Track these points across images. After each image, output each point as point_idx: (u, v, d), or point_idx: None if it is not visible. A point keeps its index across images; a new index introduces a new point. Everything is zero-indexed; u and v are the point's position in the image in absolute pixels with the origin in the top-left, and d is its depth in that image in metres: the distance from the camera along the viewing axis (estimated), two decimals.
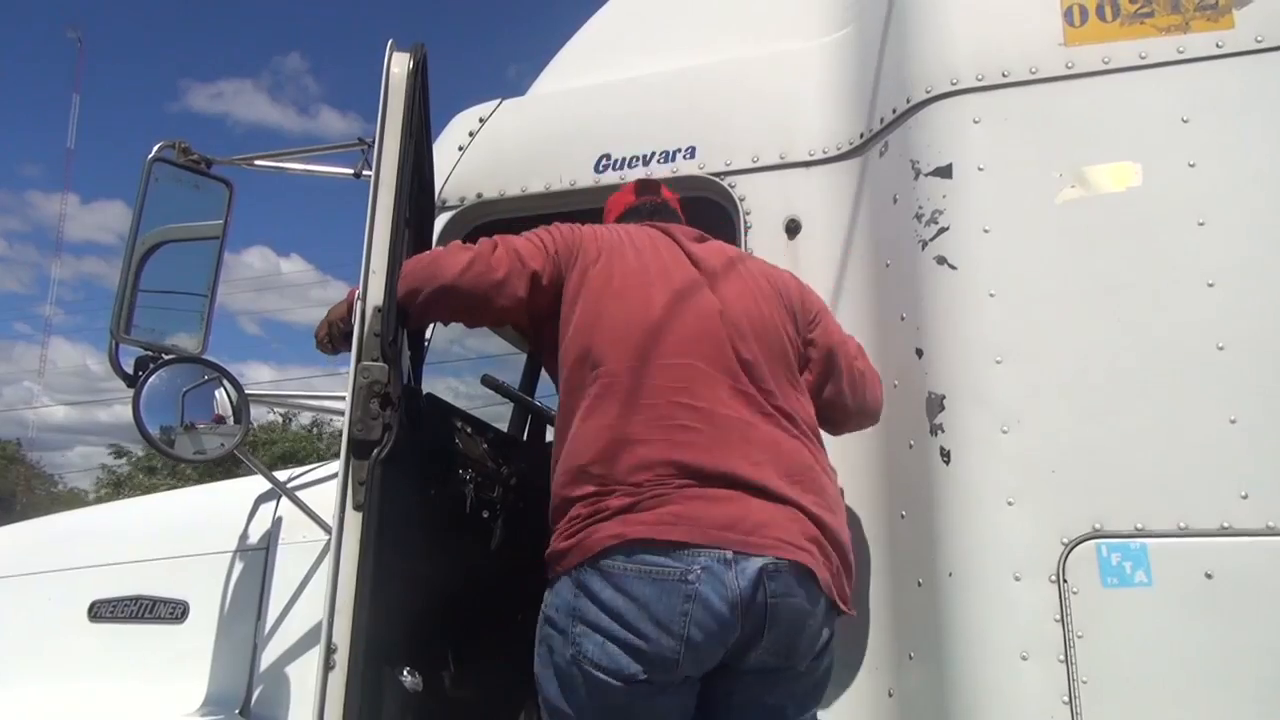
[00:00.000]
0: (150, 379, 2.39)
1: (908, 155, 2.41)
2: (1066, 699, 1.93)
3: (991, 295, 2.20)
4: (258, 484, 3.09)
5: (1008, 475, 2.09)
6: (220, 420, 2.52)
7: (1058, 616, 1.98)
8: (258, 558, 2.92)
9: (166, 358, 2.45)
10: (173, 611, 2.98)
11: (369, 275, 1.98)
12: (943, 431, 2.18)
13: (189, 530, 3.09)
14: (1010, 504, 2.07)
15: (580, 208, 2.97)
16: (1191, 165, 2.14)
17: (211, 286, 2.56)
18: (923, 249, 2.31)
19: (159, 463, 24.48)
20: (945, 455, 2.16)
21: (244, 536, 2.98)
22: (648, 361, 1.92)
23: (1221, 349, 2.03)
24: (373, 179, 2.03)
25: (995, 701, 1.99)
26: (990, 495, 2.09)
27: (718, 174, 2.74)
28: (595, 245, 2.11)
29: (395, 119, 2.03)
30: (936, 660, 2.09)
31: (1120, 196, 2.18)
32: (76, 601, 3.08)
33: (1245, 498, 1.94)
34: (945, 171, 2.32)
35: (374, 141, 1.95)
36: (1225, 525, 1.94)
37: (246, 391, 2.54)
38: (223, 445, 2.52)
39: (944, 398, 2.19)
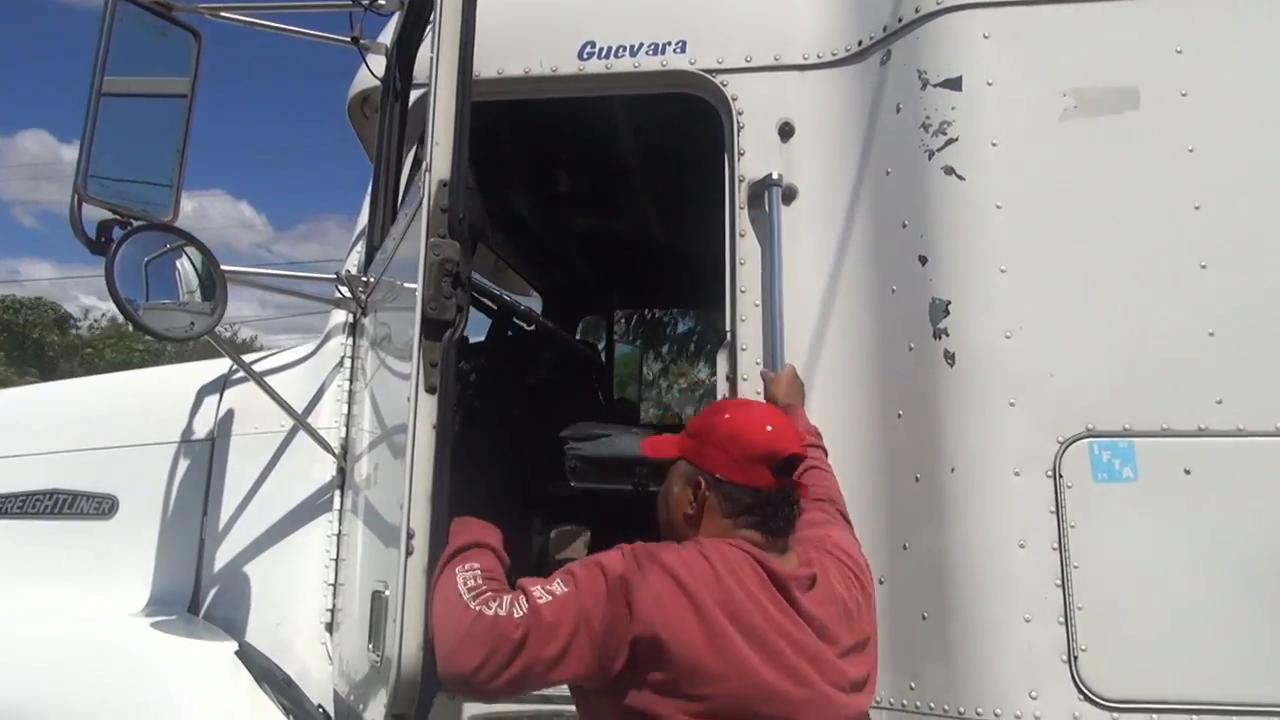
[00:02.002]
0: (124, 246, 2.16)
1: (914, 65, 2.44)
2: (1059, 582, 2.10)
3: (998, 207, 2.29)
4: (192, 372, 2.88)
5: (1010, 378, 2.21)
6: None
7: (1053, 508, 2.14)
8: (200, 450, 2.73)
9: (138, 224, 2.21)
10: (98, 507, 2.76)
11: (433, 148, 1.84)
12: (947, 335, 2.27)
13: (114, 420, 2.85)
14: (1012, 405, 2.20)
15: (561, 95, 2.87)
16: (1184, 95, 2.29)
17: (181, 149, 2.32)
18: (929, 158, 2.37)
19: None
20: (950, 358, 2.26)
21: (183, 427, 2.78)
22: None
23: (1204, 268, 2.20)
24: (435, 49, 1.88)
25: (994, 584, 2.13)
26: (993, 396, 2.21)
27: (709, 71, 2.69)
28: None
29: None
30: (934, 549, 2.22)
31: (1118, 120, 2.30)
32: None
33: (1220, 403, 2.14)
34: (955, 84, 2.37)
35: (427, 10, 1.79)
36: (1202, 427, 2.14)
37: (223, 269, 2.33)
38: (193, 324, 2.31)
39: (949, 303, 2.28)
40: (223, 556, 2.63)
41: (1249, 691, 2.01)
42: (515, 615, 1.60)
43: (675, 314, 8.69)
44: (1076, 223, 2.27)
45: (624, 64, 2.74)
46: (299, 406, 2.65)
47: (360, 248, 2.74)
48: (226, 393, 2.76)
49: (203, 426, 2.75)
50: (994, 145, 2.32)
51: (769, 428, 1.85)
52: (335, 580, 2.53)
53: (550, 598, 1.62)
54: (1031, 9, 2.37)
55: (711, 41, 2.71)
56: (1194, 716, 2.01)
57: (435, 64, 1.87)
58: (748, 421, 1.87)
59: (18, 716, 2.16)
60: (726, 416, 1.90)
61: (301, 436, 2.63)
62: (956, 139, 2.34)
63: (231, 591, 2.60)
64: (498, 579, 1.73)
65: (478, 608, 1.62)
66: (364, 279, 2.48)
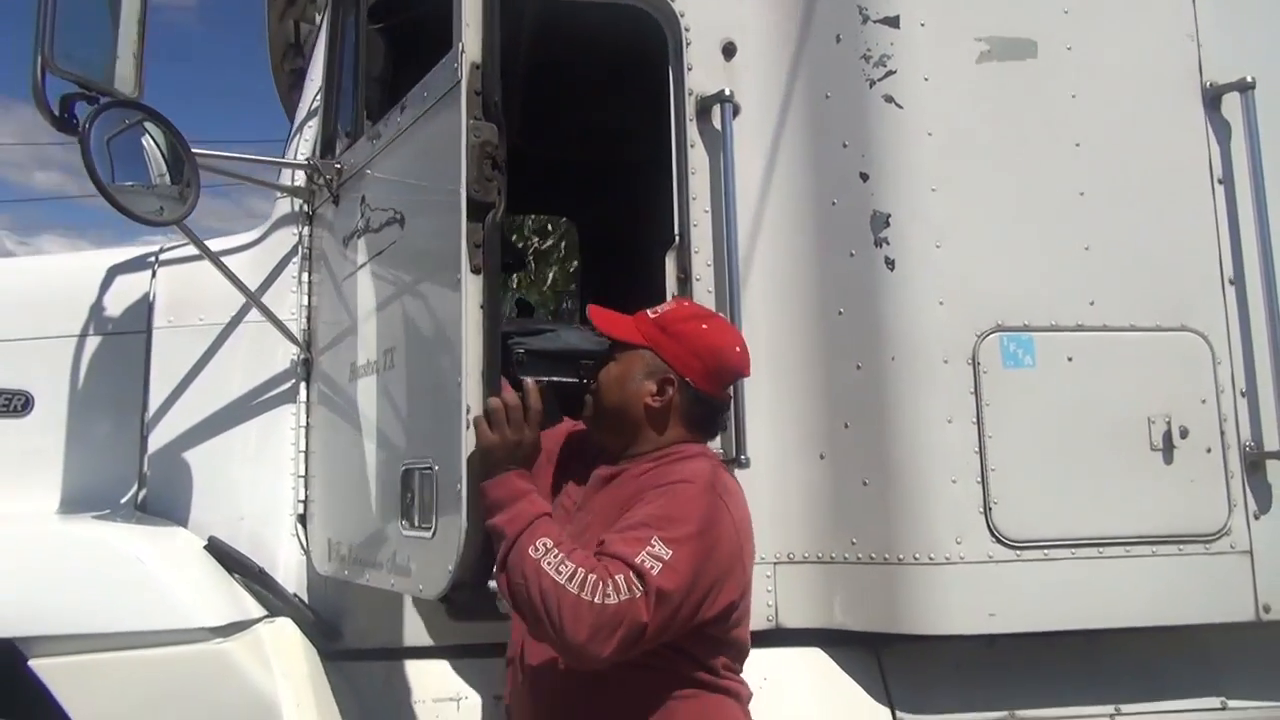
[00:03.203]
0: (96, 122, 2.00)
1: (854, 1, 2.74)
2: (977, 449, 2.55)
3: (929, 134, 2.66)
4: (107, 260, 2.67)
5: (939, 281, 2.61)
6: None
7: (972, 390, 2.57)
8: (133, 341, 2.57)
9: (105, 100, 2.05)
10: (8, 403, 2.53)
11: (463, 29, 1.87)
12: (887, 244, 2.63)
13: (23, 310, 2.60)
14: (941, 304, 2.60)
15: None
16: (1069, 49, 2.75)
17: (140, 17, 2.14)
18: (870, 87, 2.69)
19: None
20: (890, 264, 2.62)
21: (109, 317, 2.59)
22: None
23: (1082, 195, 2.70)
24: None
25: (928, 453, 2.55)
26: (926, 296, 2.60)
27: None
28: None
29: None
30: (875, 426, 2.60)
31: (1020, 66, 2.73)
32: None
33: (1092, 304, 2.66)
34: (893, 22, 2.69)
35: None
36: (1079, 323, 2.65)
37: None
38: (162, 210, 2.18)
39: (889, 216, 2.63)
40: (171, 453, 2.51)
41: (1112, 527, 2.57)
42: (635, 595, 1.59)
43: None
44: (988, 152, 2.68)
45: None
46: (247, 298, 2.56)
47: (308, 134, 2.65)
48: (158, 281, 2.59)
49: (134, 317, 2.57)
50: (926, 80, 2.68)
51: (738, 348, 2.01)
52: (306, 471, 2.51)
53: (661, 565, 1.62)
54: None
55: None
56: (1073, 549, 2.55)
57: None
58: (724, 338, 2.01)
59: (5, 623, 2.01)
60: (705, 327, 2.00)
61: (254, 328, 2.55)
62: (895, 71, 2.67)
63: (185, 488, 2.50)
64: (565, 544, 1.69)
65: (593, 597, 1.59)
66: (336, 165, 2.41)
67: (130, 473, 2.52)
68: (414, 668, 2.49)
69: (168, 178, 2.20)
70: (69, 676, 2.06)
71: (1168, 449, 2.62)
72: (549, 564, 1.61)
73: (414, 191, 2.09)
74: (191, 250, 2.67)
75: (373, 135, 2.28)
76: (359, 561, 2.17)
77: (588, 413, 2.03)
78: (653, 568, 1.61)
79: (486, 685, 2.48)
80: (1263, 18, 2.85)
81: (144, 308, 2.58)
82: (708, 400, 1.97)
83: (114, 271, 2.62)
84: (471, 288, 1.81)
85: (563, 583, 1.59)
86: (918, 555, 2.52)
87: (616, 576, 1.60)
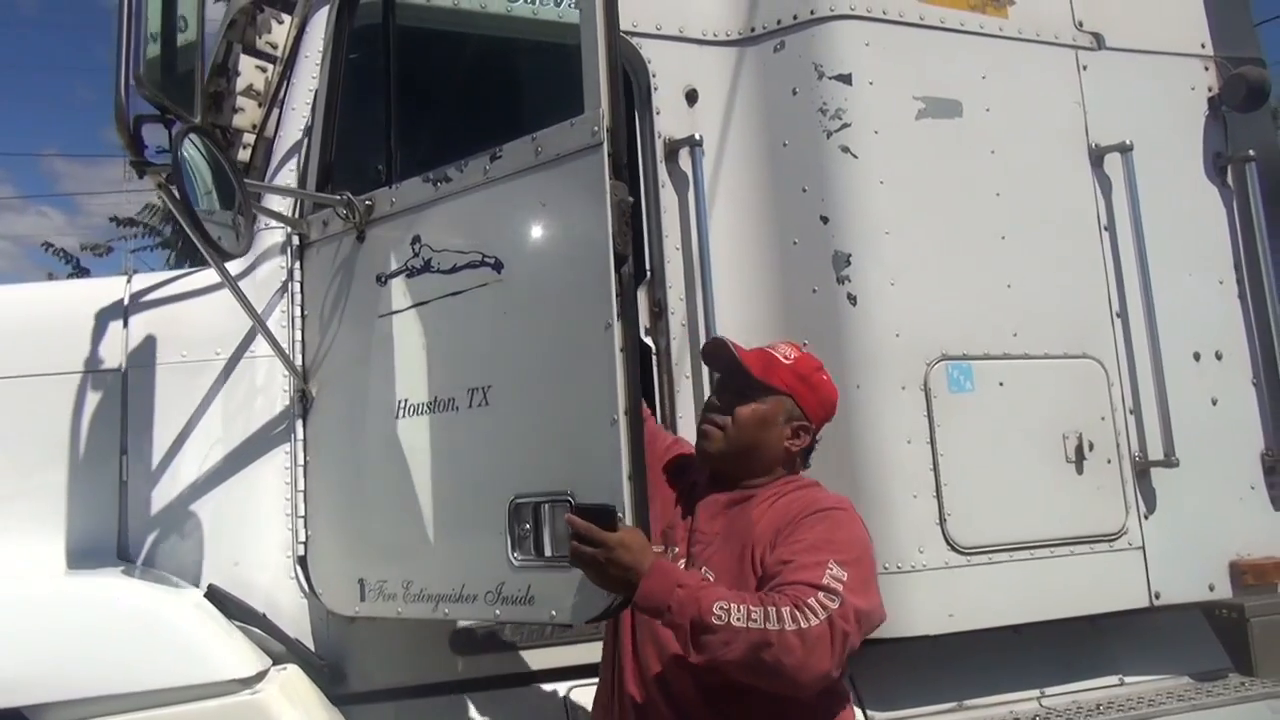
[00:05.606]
0: (182, 148, 1.92)
1: (809, 58, 2.99)
2: (931, 466, 2.84)
3: (881, 183, 2.94)
4: (72, 293, 2.49)
5: (895, 315, 2.89)
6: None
7: (925, 414, 2.86)
8: (107, 380, 2.42)
9: (183, 125, 1.96)
10: None
11: (601, 94, 1.95)
12: (849, 281, 2.88)
13: None
14: (897, 336, 2.88)
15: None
16: (987, 110, 3.12)
17: (198, 30, 2.05)
18: (828, 138, 2.94)
19: None
20: (852, 299, 2.87)
21: (75, 354, 2.42)
22: None
23: (1003, 239, 3.06)
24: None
25: (891, 472, 2.82)
26: (885, 329, 2.87)
27: (627, 33, 2.96)
28: None
29: None
30: (842, 449, 2.83)
31: (949, 124, 3.07)
32: None
33: (1015, 335, 3.02)
34: (846, 79, 2.96)
35: None
36: (1006, 352, 3.00)
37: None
38: (220, 238, 2.09)
39: (850, 255, 2.89)
40: (157, 498, 2.37)
41: (1040, 532, 2.93)
42: (832, 608, 1.74)
43: None
44: (931, 201, 2.99)
45: (550, 12, 2.91)
46: (237, 332, 2.46)
47: (290, 165, 2.58)
48: (132, 316, 2.43)
49: (108, 354, 2.40)
50: (876, 133, 2.96)
51: (836, 399, 2.28)
52: (305, 511, 2.43)
53: (841, 585, 1.78)
54: (896, 26, 3.03)
55: (627, 6, 2.96)
56: (1011, 552, 2.88)
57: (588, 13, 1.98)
58: (836, 391, 2.28)
59: (19, 689, 1.84)
60: (825, 378, 2.25)
61: (242, 364, 2.45)
62: (850, 124, 2.94)
63: (173, 535, 2.36)
64: (734, 595, 1.78)
65: (796, 625, 1.71)
66: (367, 201, 2.35)
67: (108, 520, 2.36)
68: (422, 706, 2.48)
69: (215, 197, 2.12)
70: None
71: (1079, 461, 3.02)
72: (739, 620, 1.70)
73: (521, 238, 2.12)
74: (171, 289, 2.55)
75: (437, 177, 2.25)
76: (429, 597, 2.14)
77: (717, 446, 2.13)
78: (838, 586, 1.77)
79: (496, 717, 2.50)
80: (1138, 89, 3.33)
81: (118, 343, 2.42)
82: (815, 444, 2.25)
83: (80, 304, 2.44)
84: (617, 335, 1.89)
85: (761, 627, 1.70)
86: (886, 565, 2.77)
87: (809, 600, 1.74)
